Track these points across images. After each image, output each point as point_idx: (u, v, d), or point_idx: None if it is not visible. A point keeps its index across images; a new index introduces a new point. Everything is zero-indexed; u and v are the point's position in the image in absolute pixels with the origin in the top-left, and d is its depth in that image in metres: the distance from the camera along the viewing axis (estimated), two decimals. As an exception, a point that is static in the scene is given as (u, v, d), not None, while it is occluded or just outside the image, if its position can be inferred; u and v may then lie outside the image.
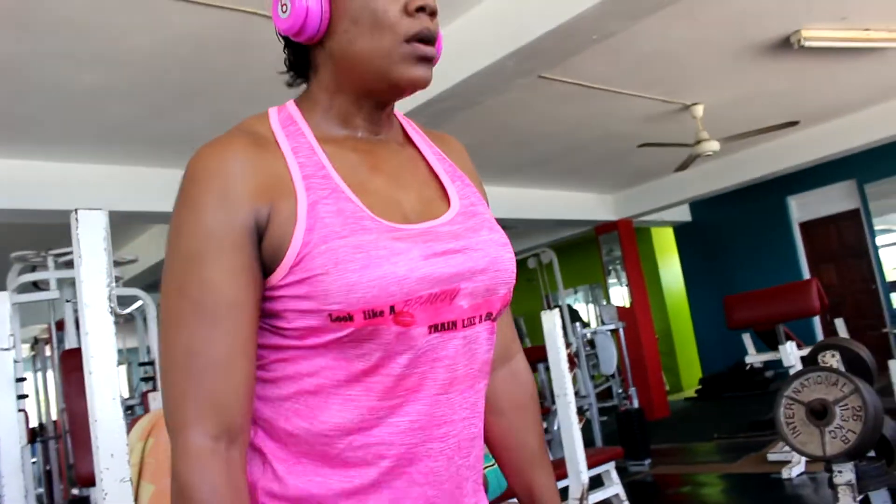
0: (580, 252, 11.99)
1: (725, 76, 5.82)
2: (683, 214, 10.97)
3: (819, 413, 2.58)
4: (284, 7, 0.91)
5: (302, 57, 0.97)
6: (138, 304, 4.55)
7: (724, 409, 8.85)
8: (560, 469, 3.69)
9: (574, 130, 6.53)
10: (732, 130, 6.51)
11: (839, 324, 5.39)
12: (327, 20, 0.91)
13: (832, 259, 10.04)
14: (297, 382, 0.86)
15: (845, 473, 2.61)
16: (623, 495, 4.66)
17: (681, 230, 11.34)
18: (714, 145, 6.20)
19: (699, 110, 6.24)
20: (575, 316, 9.92)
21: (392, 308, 0.81)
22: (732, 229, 10.59)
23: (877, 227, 9.67)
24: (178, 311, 0.83)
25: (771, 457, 5.48)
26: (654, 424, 8.42)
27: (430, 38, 0.91)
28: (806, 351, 4.64)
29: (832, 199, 9.89)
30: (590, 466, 4.32)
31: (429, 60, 0.92)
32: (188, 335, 0.82)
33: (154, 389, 4.83)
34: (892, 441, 3.14)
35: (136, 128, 4.93)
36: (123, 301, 5.77)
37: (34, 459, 6.33)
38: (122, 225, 6.88)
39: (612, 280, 10.12)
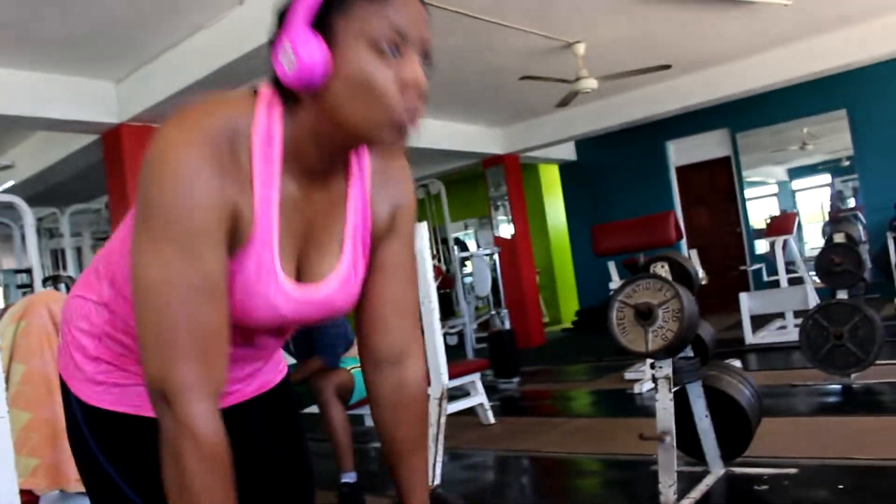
0: (470, 186, 12.29)
1: (606, 16, 6.08)
2: (569, 153, 11.36)
3: (645, 314, 2.90)
4: (288, 59, 0.95)
5: (288, 90, 1.01)
6: (8, 184, 4.52)
7: (595, 338, 9.36)
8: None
9: (457, 62, 6.69)
10: (612, 71, 6.82)
11: (693, 254, 5.83)
12: (326, 78, 0.96)
13: (704, 202, 10.66)
14: None
15: (664, 368, 2.96)
16: (487, 404, 5.01)
17: (566, 168, 11.75)
18: (592, 83, 6.50)
19: (581, 48, 6.51)
20: (463, 248, 10.27)
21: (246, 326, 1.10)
22: (614, 170, 11.04)
23: (752, 178, 10.33)
24: (174, 291, 0.95)
25: (627, 375, 5.95)
26: (529, 351, 8.91)
27: (417, 114, 1.00)
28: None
29: (707, 146, 10.46)
30: (456, 376, 4.63)
31: (409, 134, 1.01)
32: (192, 312, 0.95)
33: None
34: (708, 344, 3.56)
35: (13, 30, 4.83)
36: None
37: None
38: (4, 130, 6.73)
39: (502, 216, 10.44)
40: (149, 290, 0.96)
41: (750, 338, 6.89)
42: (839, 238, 5.18)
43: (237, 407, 1.29)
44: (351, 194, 1.15)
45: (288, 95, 1.01)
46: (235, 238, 1.01)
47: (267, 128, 1.01)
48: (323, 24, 0.96)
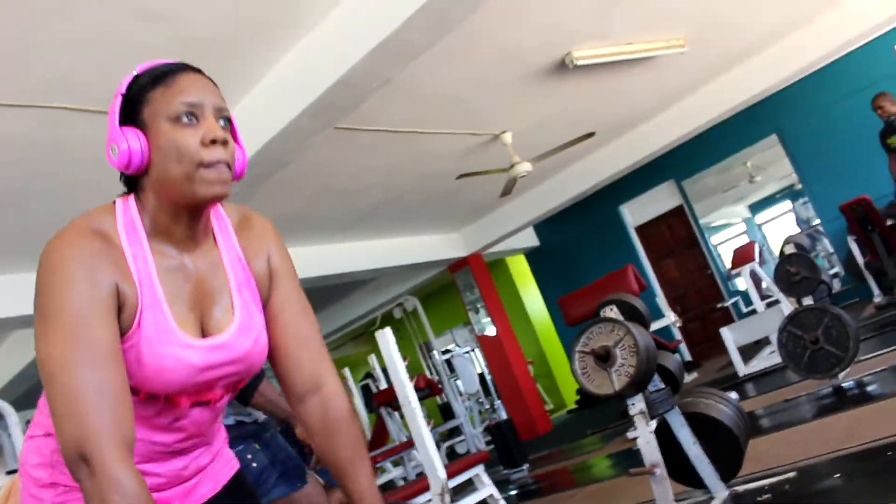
0: (446, 295, 12.43)
1: (523, 102, 6.39)
2: (531, 240, 11.57)
3: (603, 357, 3.00)
4: (113, 151, 1.20)
5: (133, 181, 1.26)
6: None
7: (598, 410, 9.35)
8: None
9: (394, 177, 6.97)
10: (542, 150, 7.09)
11: (662, 300, 5.94)
12: (147, 157, 1.21)
13: (669, 254, 10.86)
14: None
15: (637, 404, 3.04)
16: (497, 494, 4.97)
17: (531, 255, 11.94)
18: (527, 166, 6.75)
19: (508, 137, 6.80)
20: (450, 362, 10.28)
21: (167, 396, 1.24)
22: (577, 245, 11.24)
23: (716, 223, 10.70)
24: (72, 362, 1.09)
25: (630, 435, 5.92)
26: (538, 439, 8.87)
27: (221, 162, 1.20)
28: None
29: (659, 201, 10.73)
30: (458, 472, 4.65)
31: (224, 181, 1.22)
32: (91, 377, 1.09)
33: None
34: (675, 372, 3.64)
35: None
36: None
37: None
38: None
39: (484, 319, 10.53)
40: (52, 366, 1.10)
41: (742, 369, 6.94)
42: (789, 249, 5.35)
43: None
44: (224, 255, 1.33)
45: (132, 184, 1.26)
46: (124, 311, 1.17)
47: (126, 216, 1.23)
48: (134, 117, 1.22)
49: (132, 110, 1.22)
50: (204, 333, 1.26)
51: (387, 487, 6.84)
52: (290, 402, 1.39)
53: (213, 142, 1.19)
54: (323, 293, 10.00)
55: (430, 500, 3.98)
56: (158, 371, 1.19)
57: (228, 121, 1.26)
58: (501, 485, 5.85)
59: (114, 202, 1.25)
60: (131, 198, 1.25)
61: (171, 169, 1.19)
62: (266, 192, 5.33)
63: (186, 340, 1.21)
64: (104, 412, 1.07)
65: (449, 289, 11.61)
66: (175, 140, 1.18)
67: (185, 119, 1.19)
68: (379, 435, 8.17)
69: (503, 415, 7.05)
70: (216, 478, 1.45)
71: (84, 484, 1.06)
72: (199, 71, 1.26)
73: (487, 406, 7.59)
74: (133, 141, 1.19)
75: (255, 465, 2.66)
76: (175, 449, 1.32)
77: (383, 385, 8.13)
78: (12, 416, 4.70)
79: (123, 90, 1.23)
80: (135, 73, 1.25)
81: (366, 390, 10.12)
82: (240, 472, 1.52)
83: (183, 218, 1.24)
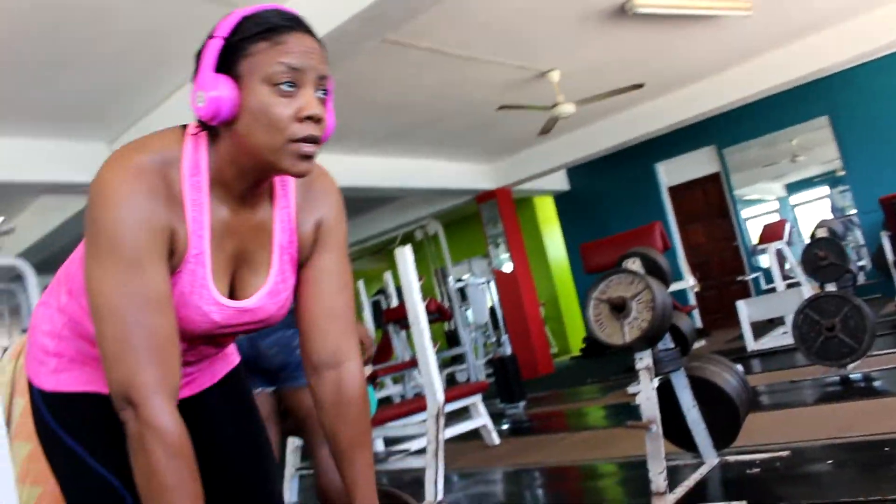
0: (468, 226, 12.43)
1: (576, 43, 6.26)
2: (562, 183, 11.49)
3: (619, 307, 2.99)
4: (200, 98, 1.11)
5: (210, 126, 1.17)
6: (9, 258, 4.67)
7: (602, 362, 9.42)
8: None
9: (436, 99, 6.88)
10: (588, 95, 6.97)
11: (683, 264, 5.89)
12: (235, 112, 1.11)
13: (698, 220, 10.75)
14: None
15: (645, 359, 3.04)
16: (490, 425, 5.06)
17: (560, 199, 11.86)
18: (570, 108, 6.66)
19: (555, 75, 6.68)
20: (463, 290, 10.35)
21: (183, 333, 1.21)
22: (607, 196, 11.15)
23: (750, 196, 10.49)
24: (125, 305, 1.08)
25: (630, 389, 5.99)
26: (539, 380, 8.97)
27: (313, 140, 1.13)
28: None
29: (696, 164, 10.58)
30: (456, 398, 4.72)
31: (311, 157, 1.15)
32: (145, 322, 1.08)
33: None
34: (687, 334, 3.64)
35: (10, 99, 5.04)
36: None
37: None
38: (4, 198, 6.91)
39: (504, 254, 10.52)
40: (105, 307, 1.09)
41: (752, 345, 6.94)
42: (821, 233, 5.27)
43: (196, 397, 1.43)
44: (277, 216, 1.29)
45: (209, 129, 1.18)
46: (173, 256, 1.15)
47: (194, 158, 1.17)
48: (229, 66, 1.12)
49: (229, 58, 1.12)
50: (232, 291, 1.25)
51: (384, 402, 6.95)
52: (305, 367, 1.37)
53: (308, 118, 1.12)
54: (347, 204, 9.96)
55: (424, 420, 4.04)
56: (180, 319, 1.18)
57: (326, 91, 1.17)
58: (496, 417, 5.93)
59: (184, 131, 1.19)
60: (204, 139, 1.18)
61: (257, 135, 1.12)
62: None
63: (217, 299, 1.20)
64: (153, 360, 1.08)
65: (473, 219, 11.59)
66: (269, 107, 1.10)
67: (284, 87, 1.10)
68: (383, 351, 8.28)
69: (508, 350, 7.09)
70: (214, 373, 1.49)
71: (128, 424, 1.08)
72: (310, 32, 1.16)
73: (493, 339, 7.65)
74: (226, 91, 1.10)
75: (299, 351, 2.68)
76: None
77: (394, 303, 8.20)
78: (31, 278, 4.77)
79: (226, 33, 1.13)
80: (241, 16, 1.14)
81: (376, 306, 10.23)
82: (237, 367, 1.55)
83: (250, 178, 1.19)
